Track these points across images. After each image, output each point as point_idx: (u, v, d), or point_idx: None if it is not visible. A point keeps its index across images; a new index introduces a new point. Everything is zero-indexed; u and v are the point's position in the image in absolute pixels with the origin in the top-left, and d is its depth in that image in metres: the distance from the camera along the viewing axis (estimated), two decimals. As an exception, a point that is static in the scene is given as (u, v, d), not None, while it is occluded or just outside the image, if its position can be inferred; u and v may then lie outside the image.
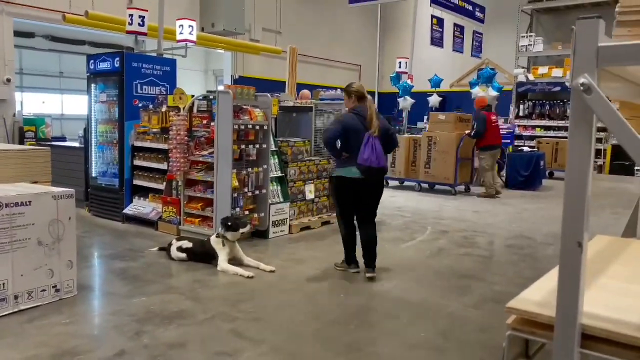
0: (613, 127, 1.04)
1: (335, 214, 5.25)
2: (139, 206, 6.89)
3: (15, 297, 3.77)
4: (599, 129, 14.83)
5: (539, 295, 1.31)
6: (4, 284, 3.69)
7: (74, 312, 3.89)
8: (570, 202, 1.09)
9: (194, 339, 3.41)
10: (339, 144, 4.63)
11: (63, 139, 10.95)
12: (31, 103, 13.93)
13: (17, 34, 10.96)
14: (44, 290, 3.94)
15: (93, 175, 7.44)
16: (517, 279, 4.91)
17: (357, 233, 4.87)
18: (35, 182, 4.57)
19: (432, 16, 13.67)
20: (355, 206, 4.76)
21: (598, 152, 15.08)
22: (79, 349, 3.25)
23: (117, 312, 3.87)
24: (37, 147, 5.55)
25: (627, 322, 1.16)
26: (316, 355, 3.26)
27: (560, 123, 15.57)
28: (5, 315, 3.69)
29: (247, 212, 6.05)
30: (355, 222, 4.86)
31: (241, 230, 5.05)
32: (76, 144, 8.50)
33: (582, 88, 1.07)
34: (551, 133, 15.30)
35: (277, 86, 12.60)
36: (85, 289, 4.38)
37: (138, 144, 6.92)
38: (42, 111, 13.38)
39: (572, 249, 1.11)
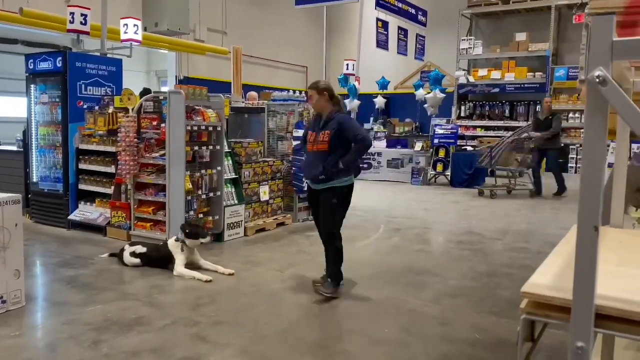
0: (628, 117, 1.10)
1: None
2: (85, 211, 6.61)
3: (-42, 311, 3.53)
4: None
5: (547, 280, 1.37)
6: (-55, 297, 3.45)
7: (23, 323, 3.69)
8: (587, 190, 1.15)
9: (156, 346, 3.32)
10: (341, 149, 4.31)
11: (-3, 142, 10.35)
12: (-41, 105, 13.09)
13: (-57, 31, 10.27)
14: (-11, 302, 3.71)
15: (34, 180, 7.08)
16: (470, 273, 5.07)
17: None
18: (-24, 188, 4.31)
19: (377, 19, 13.90)
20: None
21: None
22: (33, 362, 3.09)
23: (71, 321, 3.70)
24: (-25, 151, 5.22)
25: (638, 301, 1.23)
26: (283, 356, 3.25)
27: (499, 123, 16.22)
28: (-52, 330, 3.45)
29: (201, 215, 5.93)
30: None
31: (201, 241, 4.94)
32: (13, 148, 8.05)
33: (597, 80, 1.13)
34: (491, 132, 15.89)
35: (223, 87, 12.44)
36: (34, 299, 4.17)
37: (83, 146, 6.65)
38: (-29, 114, 12.59)
39: (589, 234, 1.17)
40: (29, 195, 7.10)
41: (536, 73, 15.71)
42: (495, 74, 16.21)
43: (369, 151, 12.16)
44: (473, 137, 15.86)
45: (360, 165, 4.50)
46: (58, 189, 6.80)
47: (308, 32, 18.72)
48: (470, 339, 3.53)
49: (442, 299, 4.33)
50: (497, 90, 16.29)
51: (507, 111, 16.46)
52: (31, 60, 6.89)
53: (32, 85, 6.99)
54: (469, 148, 12.94)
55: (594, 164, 1.09)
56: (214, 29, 15.06)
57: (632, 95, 1.87)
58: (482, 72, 16.55)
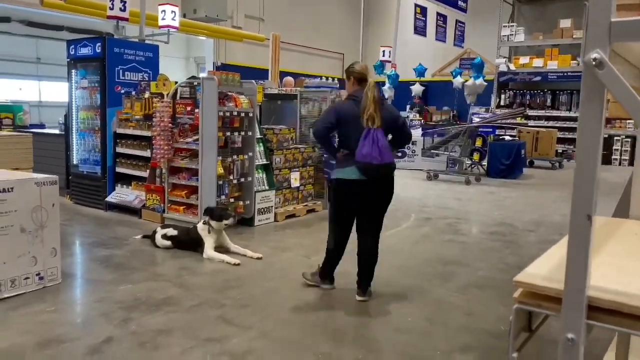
0: (626, 102, 1.06)
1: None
2: (122, 194, 6.81)
3: (-2, 285, 3.71)
4: (573, 119, 15.06)
5: (544, 270, 1.35)
6: (-14, 271, 3.63)
7: (58, 299, 3.84)
8: (581, 176, 1.12)
9: (182, 326, 3.41)
10: (334, 139, 3.96)
11: (42, 126, 10.72)
12: (7, 89, 13.61)
13: (-7, 18, 10.68)
14: (27, 278, 3.89)
15: (74, 162, 7.33)
16: (500, 264, 4.99)
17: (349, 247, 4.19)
18: (17, 169, 4.49)
19: (416, 5, 13.70)
20: (356, 213, 3.95)
21: (574, 141, 15.32)
22: (65, 337, 3.22)
23: (103, 299, 3.84)
24: (17, 134, 5.44)
25: (632, 294, 1.20)
26: (305, 341, 3.28)
27: (541, 112, 15.77)
28: (-12, 303, 3.63)
29: (232, 200, 6.02)
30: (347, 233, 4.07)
31: (224, 222, 4.99)
32: (56, 131, 8.35)
33: (594, 63, 1.09)
34: (531, 122, 15.46)
35: (260, 74, 12.52)
36: (69, 277, 4.33)
37: (120, 131, 6.83)
38: (19, 98, 13.10)
39: (582, 222, 1.13)
40: (70, 177, 7.36)
41: (580, 61, 15.16)
42: (538, 62, 15.76)
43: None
44: (512, 127, 15.48)
45: (372, 162, 3.66)
46: (96, 171, 7.02)
47: (345, 19, 18.58)
48: (494, 330, 3.48)
49: (469, 290, 4.27)
50: (538, 78, 15.85)
51: (548, 100, 15.99)
52: (72, 46, 7.10)
53: (73, 71, 7.20)
54: (507, 138, 12.64)
55: (588, 151, 1.05)
56: (252, 15, 15.12)
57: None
58: (523, 59, 16.11)
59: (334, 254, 4.07)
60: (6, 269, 3.73)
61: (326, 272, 4.16)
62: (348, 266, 4.14)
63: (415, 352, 3.17)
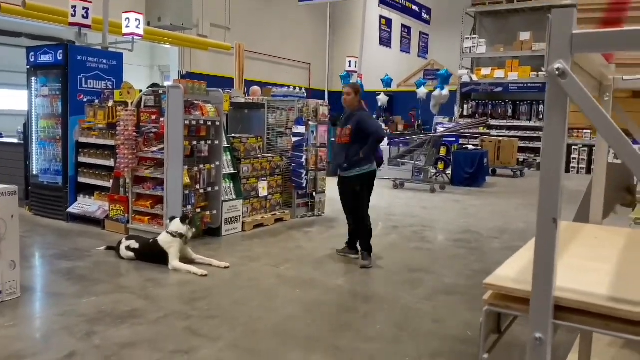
0: (587, 110, 1.10)
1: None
2: (84, 204, 6.64)
3: (-47, 300, 3.55)
4: (538, 128, 15.53)
5: (512, 273, 1.38)
6: (-60, 286, 3.47)
7: (17, 314, 3.71)
8: (546, 181, 1.16)
9: (148, 338, 3.33)
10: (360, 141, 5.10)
11: (-1, 135, 10.40)
12: (-38, 97, 13.12)
13: (-53, 23, 10.29)
14: (-16, 292, 3.74)
15: (34, 172, 7.11)
16: (465, 271, 5.07)
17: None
18: (-27, 179, 4.33)
19: (381, 16, 13.89)
20: None
21: (538, 151, 15.80)
22: (26, 352, 3.11)
23: (65, 313, 3.72)
24: (-26, 142, 5.24)
25: (596, 294, 1.24)
26: (274, 350, 3.26)
27: (502, 122, 16.19)
28: (-58, 319, 3.47)
29: (199, 210, 5.95)
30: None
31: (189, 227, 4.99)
32: (14, 140, 8.09)
33: (557, 73, 1.13)
34: (493, 132, 15.85)
35: (226, 83, 12.47)
36: (29, 290, 4.19)
37: (83, 140, 6.67)
38: (-26, 106, 12.64)
39: (547, 225, 1.18)
40: (29, 188, 7.13)
41: (540, 73, 15.66)
42: (499, 73, 16.19)
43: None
44: (475, 136, 15.84)
45: (382, 157, 5.65)
46: (57, 181, 6.83)
47: (311, 29, 18.71)
48: (462, 336, 3.53)
49: (436, 297, 4.33)
50: (500, 89, 16.27)
51: (510, 110, 16.43)
52: (32, 53, 6.91)
53: (33, 78, 7.01)
54: (470, 147, 12.91)
55: (552, 158, 1.09)
56: (217, 24, 15.05)
57: (614, 92, 1.86)
58: (485, 71, 16.52)
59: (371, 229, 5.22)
60: (-39, 283, 3.59)
61: (371, 247, 5.16)
62: (315, 274, 4.14)
63: (385, 359, 3.19)
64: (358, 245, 5.27)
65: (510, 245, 6.17)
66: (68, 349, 3.14)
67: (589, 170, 14.92)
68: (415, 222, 7.43)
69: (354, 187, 5.09)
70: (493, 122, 16.15)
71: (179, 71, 14.70)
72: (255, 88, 9.17)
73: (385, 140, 12.83)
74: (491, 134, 14.09)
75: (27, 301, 3.97)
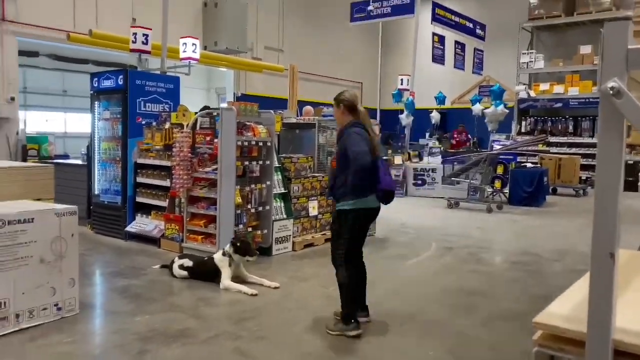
0: None
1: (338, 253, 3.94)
2: (141, 223, 6.84)
3: (17, 316, 3.71)
4: (595, 145, 14.84)
5: (565, 309, 1.27)
6: (5, 302, 3.64)
7: (75, 330, 3.83)
8: (602, 212, 1.06)
9: (198, 358, 3.35)
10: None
11: (66, 156, 10.95)
12: (35, 121, 13.96)
13: (22, 52, 11.02)
14: (45, 308, 3.88)
15: (95, 192, 7.41)
16: (523, 296, 4.84)
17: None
18: (39, 200, 4.54)
19: (434, 34, 13.76)
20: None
21: (601, 168, 15.05)
22: (81, 369, 3.19)
23: (120, 330, 3.81)
24: (39, 164, 5.54)
25: None
26: (322, 375, 3.19)
27: (562, 139, 15.56)
28: (7, 334, 3.62)
29: (250, 229, 6.00)
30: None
31: (247, 258, 5.00)
32: (79, 162, 8.49)
33: (611, 92, 1.04)
34: (553, 149, 15.24)
35: (279, 104, 12.64)
36: (87, 307, 4.32)
37: (141, 161, 6.90)
38: (45, 129, 13.41)
39: (603, 261, 1.06)
40: (91, 207, 7.43)
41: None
42: (558, 89, 15.64)
43: (417, 166, 12.13)
44: (534, 154, 15.28)
45: (393, 190, 3.87)
46: (117, 201, 7.09)
47: (363, 48, 18.79)
48: (520, 365, 3.34)
49: (493, 322, 4.14)
50: (559, 105, 15.70)
51: (570, 127, 15.78)
52: (95, 79, 7.26)
53: (96, 102, 7.35)
54: (529, 165, 12.45)
55: (608, 184, 0.99)
56: (271, 47, 15.38)
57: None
58: (543, 86, 16.00)
59: (353, 286, 3.88)
60: (25, 300, 3.74)
61: (353, 314, 3.83)
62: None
63: (437, 388, 3.06)
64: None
65: (572, 268, 5.86)
66: (121, 367, 3.19)
67: (660, 189, 14.04)
68: (471, 243, 7.19)
69: (335, 222, 4.01)
70: (553, 139, 15.54)
71: (234, 93, 15.08)
72: (308, 108, 9.24)
73: (439, 159, 12.63)
74: (550, 151, 13.55)
75: (85, 318, 4.09)
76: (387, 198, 3.84)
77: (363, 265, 4.08)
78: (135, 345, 3.54)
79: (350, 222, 3.82)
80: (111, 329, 3.87)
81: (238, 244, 5.00)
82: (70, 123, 15.22)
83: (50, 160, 8.60)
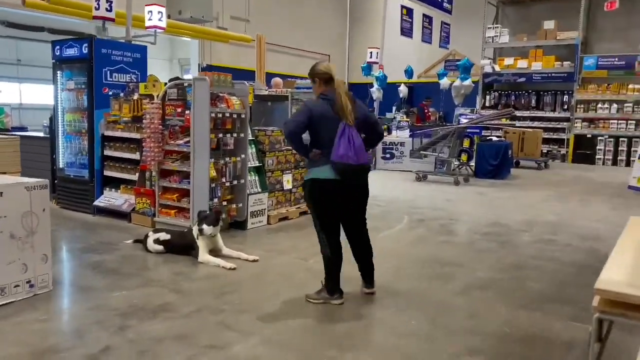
0: None
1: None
2: (110, 198, 6.65)
3: (-12, 294, 3.57)
4: (562, 119, 15.24)
5: (621, 275, 1.28)
6: (-25, 280, 3.49)
7: (50, 308, 3.72)
8: None
9: (182, 333, 3.31)
10: (306, 138, 3.77)
11: (24, 129, 10.45)
12: (-13, 92, 13.29)
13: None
14: (17, 285, 3.75)
15: (60, 166, 7.14)
16: (498, 265, 4.97)
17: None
18: (4, 173, 4.34)
19: (402, 6, 13.70)
20: (338, 215, 3.87)
21: (562, 142, 15.48)
22: (61, 346, 3.10)
23: (97, 307, 3.71)
24: (5, 137, 5.27)
25: None
26: (308, 346, 3.21)
27: (526, 113, 15.89)
28: (-22, 312, 3.49)
29: (225, 203, 5.92)
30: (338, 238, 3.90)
31: (211, 228, 4.78)
32: (41, 134, 8.14)
33: None
34: (517, 123, 15.56)
35: (246, 75, 12.39)
36: (60, 284, 4.20)
37: (108, 133, 6.67)
38: (-1, 100, 12.79)
39: None
40: (55, 181, 7.16)
41: (564, 62, 15.34)
42: (522, 63, 15.90)
43: (385, 140, 12.15)
44: (497, 128, 15.56)
45: (350, 163, 3.60)
46: (84, 175, 6.85)
47: (331, 20, 18.55)
48: (500, 332, 3.44)
49: (470, 291, 4.24)
50: (523, 79, 15.99)
51: (533, 101, 16.12)
52: (58, 47, 6.91)
53: (58, 72, 7.01)
54: (494, 138, 12.70)
55: None
56: (237, 16, 14.99)
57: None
58: (508, 61, 16.25)
59: (333, 262, 3.86)
60: (-5, 277, 3.60)
61: (333, 285, 3.87)
62: (344, 268, 4.06)
63: (424, 356, 3.12)
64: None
65: (541, 238, 6.05)
66: (103, 344, 3.12)
67: (615, 162, 14.61)
68: (441, 215, 7.31)
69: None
70: (516, 113, 15.84)
71: (199, 64, 14.69)
72: (277, 80, 9.09)
73: (407, 132, 12.73)
74: (515, 125, 13.83)
75: (59, 295, 3.98)
76: (342, 173, 3.60)
77: (361, 240, 4.02)
78: (114, 321, 3.47)
79: (307, 194, 3.84)
80: (88, 305, 3.76)
81: (203, 213, 4.91)
82: (26, 94, 14.55)
83: (9, 133, 8.21)
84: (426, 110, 15.07)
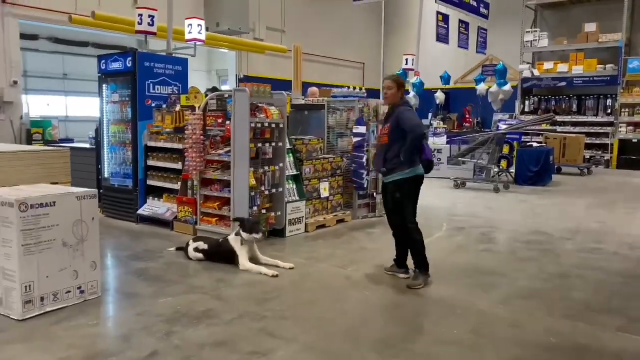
0: None
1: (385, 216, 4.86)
2: (153, 206, 6.84)
3: (42, 299, 3.73)
4: (605, 124, 14.80)
5: None
6: (30, 285, 3.65)
7: (99, 313, 3.85)
8: None
9: (224, 339, 3.37)
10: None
11: (70, 140, 10.90)
12: (36, 105, 13.86)
13: (21, 35, 10.85)
14: (68, 291, 3.90)
15: (105, 176, 7.39)
16: (540, 274, 4.87)
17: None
18: (56, 183, 4.53)
19: (438, 12, 13.62)
20: None
21: (605, 147, 15.04)
22: (111, 351, 3.21)
23: (144, 312, 3.83)
24: (56, 148, 5.51)
25: None
26: (349, 353, 3.22)
27: (566, 118, 15.53)
28: (32, 317, 3.65)
29: (264, 211, 6.01)
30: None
31: (254, 236, 4.91)
32: (86, 145, 8.45)
33: None
34: (558, 128, 15.23)
35: (282, 85, 12.53)
36: (108, 290, 4.34)
37: (151, 143, 6.87)
38: (46, 113, 13.31)
39: None
40: (101, 191, 7.40)
41: (607, 65, 14.93)
42: (562, 67, 15.57)
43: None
44: (538, 133, 15.25)
45: (432, 160, 4.74)
46: (127, 184, 7.07)
47: (366, 28, 18.61)
48: (544, 342, 3.38)
49: (512, 301, 4.17)
50: (563, 83, 15.64)
51: (574, 106, 15.74)
52: (103, 61, 7.18)
53: (103, 85, 7.28)
54: (534, 144, 12.45)
55: None
56: (273, 27, 15.23)
57: None
58: (547, 65, 15.93)
59: (423, 244, 4.58)
60: (49, 283, 3.75)
61: (427, 264, 4.55)
62: (383, 276, 4.07)
63: (466, 365, 3.09)
64: (411, 260, 4.68)
65: (584, 247, 5.90)
66: (150, 349, 3.22)
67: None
68: (481, 223, 7.21)
69: (394, 194, 4.54)
70: (557, 118, 15.52)
71: (236, 74, 14.97)
72: (314, 89, 9.20)
73: (444, 139, 12.61)
74: (557, 130, 13.53)
75: (107, 301, 4.12)
76: (429, 167, 4.58)
77: (407, 228, 4.60)
78: (160, 326, 3.56)
79: (408, 189, 4.49)
80: (135, 311, 3.88)
81: (244, 222, 4.99)
82: (71, 106, 15.12)
83: (55, 145, 8.55)
84: (467, 116, 14.91)
